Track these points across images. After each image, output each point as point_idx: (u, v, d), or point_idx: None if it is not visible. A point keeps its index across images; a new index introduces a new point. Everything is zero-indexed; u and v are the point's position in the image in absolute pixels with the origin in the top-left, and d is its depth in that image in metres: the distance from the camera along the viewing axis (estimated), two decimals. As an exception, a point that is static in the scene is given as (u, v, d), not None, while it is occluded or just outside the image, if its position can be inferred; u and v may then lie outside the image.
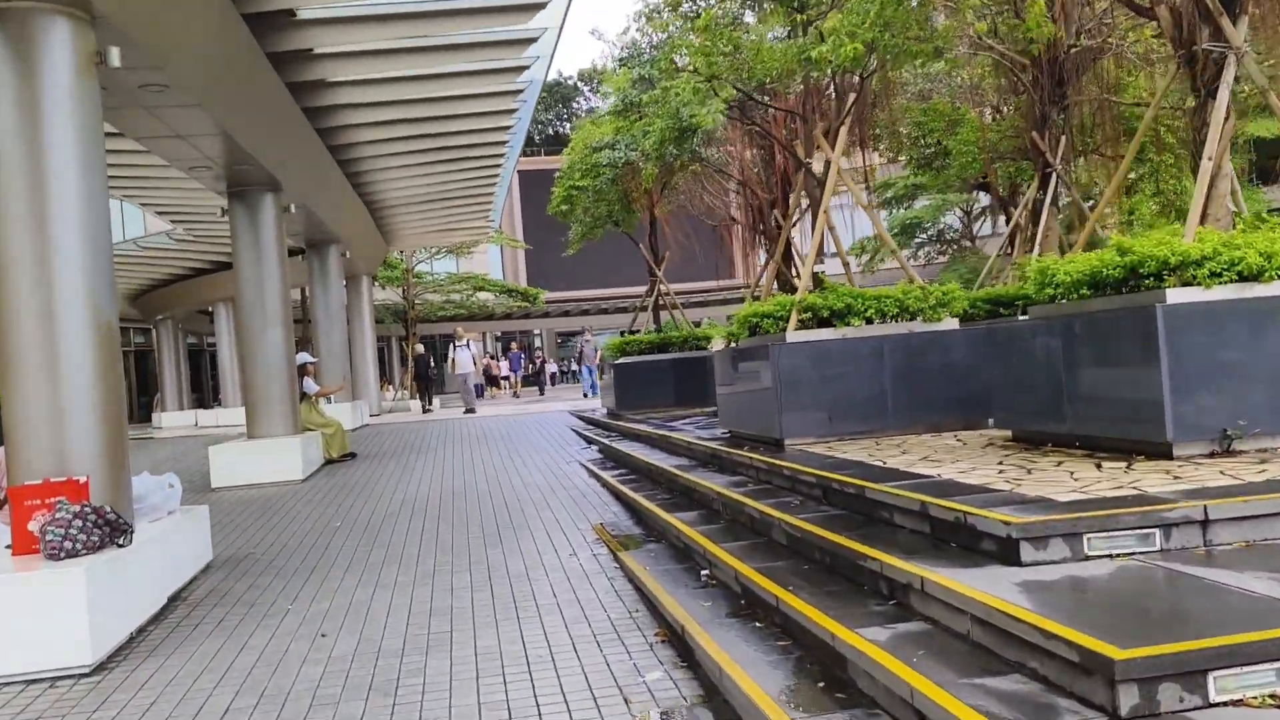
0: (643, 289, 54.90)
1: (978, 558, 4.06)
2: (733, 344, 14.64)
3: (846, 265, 8.74)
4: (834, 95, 9.84)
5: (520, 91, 16.26)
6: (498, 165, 20.33)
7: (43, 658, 5.07)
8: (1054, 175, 10.03)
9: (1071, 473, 5.09)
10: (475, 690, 4.46)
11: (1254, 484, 4.28)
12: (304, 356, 13.93)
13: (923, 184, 19.59)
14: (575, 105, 71.92)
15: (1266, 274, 5.26)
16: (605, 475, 10.11)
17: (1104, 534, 3.87)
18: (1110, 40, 10.67)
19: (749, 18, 12.32)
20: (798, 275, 14.11)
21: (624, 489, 8.95)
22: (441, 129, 16.58)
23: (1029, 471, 5.28)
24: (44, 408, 6.08)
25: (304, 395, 13.66)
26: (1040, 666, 3.09)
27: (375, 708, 4.33)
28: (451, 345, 24.32)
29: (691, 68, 9.31)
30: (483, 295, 36.90)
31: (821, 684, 3.71)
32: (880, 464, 6.20)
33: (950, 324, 8.21)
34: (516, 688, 4.45)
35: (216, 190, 13.09)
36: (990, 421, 7.96)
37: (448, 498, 9.88)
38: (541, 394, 35.08)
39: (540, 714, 4.11)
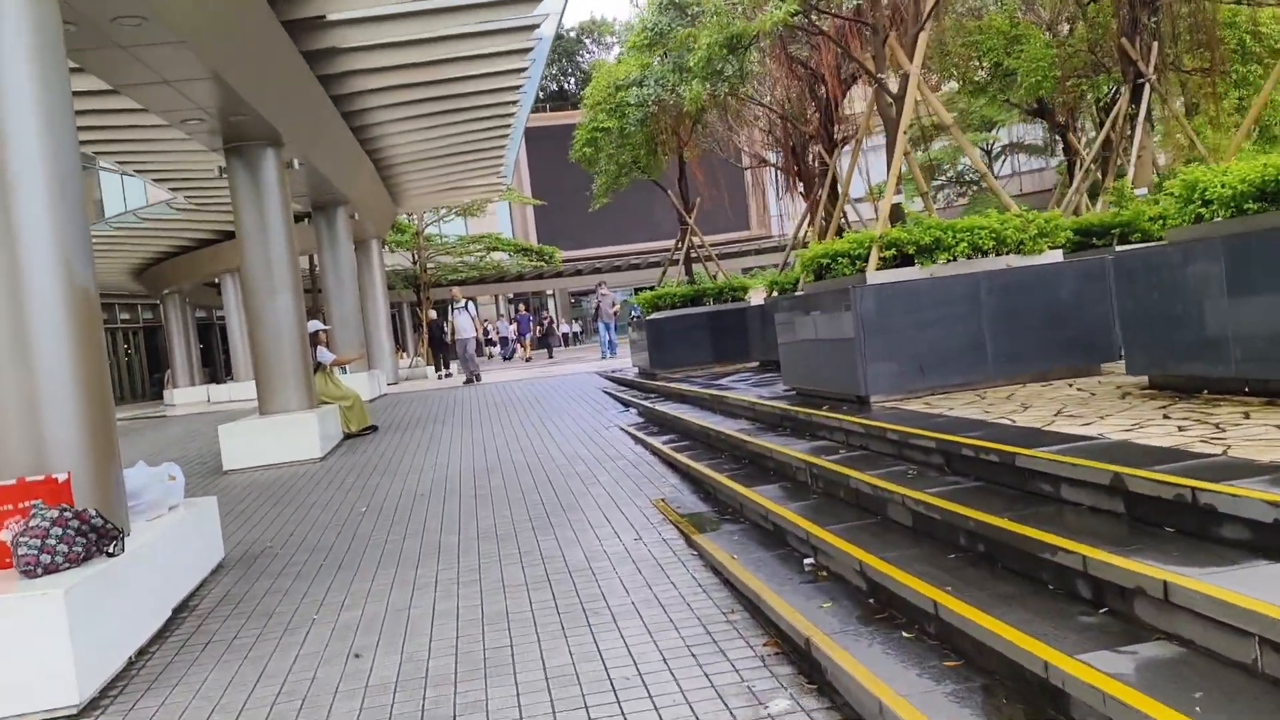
0: (658, 244, 53.86)
1: (1225, 551, 3.06)
2: (774, 293, 13.63)
3: (926, 195, 7.68)
4: None
5: (529, 50, 15.16)
6: (509, 118, 19.22)
7: (19, 699, 4.15)
8: (1146, 87, 8.91)
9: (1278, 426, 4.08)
10: (556, 733, 3.52)
11: None
12: (315, 324, 12.97)
13: (973, 110, 18.36)
14: (580, 59, 70.26)
15: None
16: (654, 441, 9.15)
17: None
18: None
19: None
20: (844, 215, 13.06)
21: (679, 457, 7.98)
22: (450, 85, 15.52)
23: (1220, 428, 4.27)
24: (11, 391, 5.11)
25: (318, 365, 12.71)
26: None
27: (431, 763, 3.40)
28: (450, 308, 22.49)
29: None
30: (497, 255, 35.83)
31: (1037, 731, 2.75)
32: (1008, 422, 5.20)
33: (1053, 256, 7.16)
34: (608, 729, 3.51)
35: (213, 147, 12.06)
36: (1104, 367, 6.95)
37: (482, 473, 8.93)
38: (550, 356, 34.07)
39: (648, 771, 3.16)
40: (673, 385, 11.98)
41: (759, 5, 9.69)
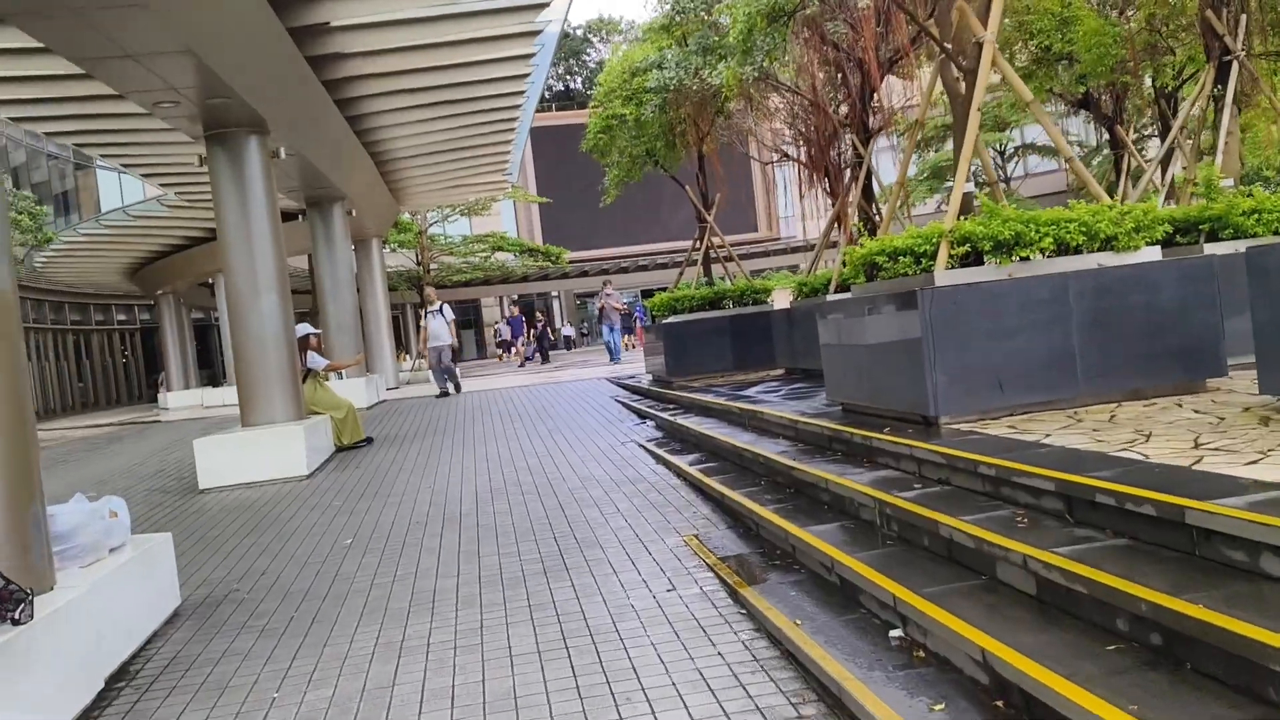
0: (666, 245, 52.97)
1: None
2: (801, 296, 12.64)
3: (994, 184, 6.67)
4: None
5: (533, 55, 14.28)
6: (515, 113, 18.26)
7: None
8: (1234, 65, 7.89)
9: None
10: None
11: None
12: (305, 328, 11.98)
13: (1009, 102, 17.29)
14: (586, 58, 69.36)
15: None
16: (677, 462, 8.14)
17: None
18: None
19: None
20: (878, 212, 12.06)
21: (710, 482, 6.97)
22: (453, 81, 14.63)
23: None
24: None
25: (308, 372, 11.72)
26: None
27: None
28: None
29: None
30: (501, 256, 34.85)
31: None
32: (1137, 456, 4.19)
33: (1150, 254, 6.14)
34: None
35: (193, 135, 11.09)
36: (1209, 383, 5.95)
37: (485, 498, 7.93)
38: (544, 361, 32.66)
39: None
40: (694, 396, 10.97)
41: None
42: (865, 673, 3.48)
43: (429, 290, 17.37)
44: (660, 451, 8.89)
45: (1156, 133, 11.95)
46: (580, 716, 3.62)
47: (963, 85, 6.42)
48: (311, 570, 6.20)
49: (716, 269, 16.05)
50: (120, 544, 5.13)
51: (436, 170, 21.52)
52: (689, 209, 15.72)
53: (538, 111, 55.58)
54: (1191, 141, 8.67)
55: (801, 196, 16.35)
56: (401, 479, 9.32)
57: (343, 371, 16.33)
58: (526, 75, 16.49)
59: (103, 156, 16.94)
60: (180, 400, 29.37)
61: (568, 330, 48.88)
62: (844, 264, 11.97)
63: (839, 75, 11.34)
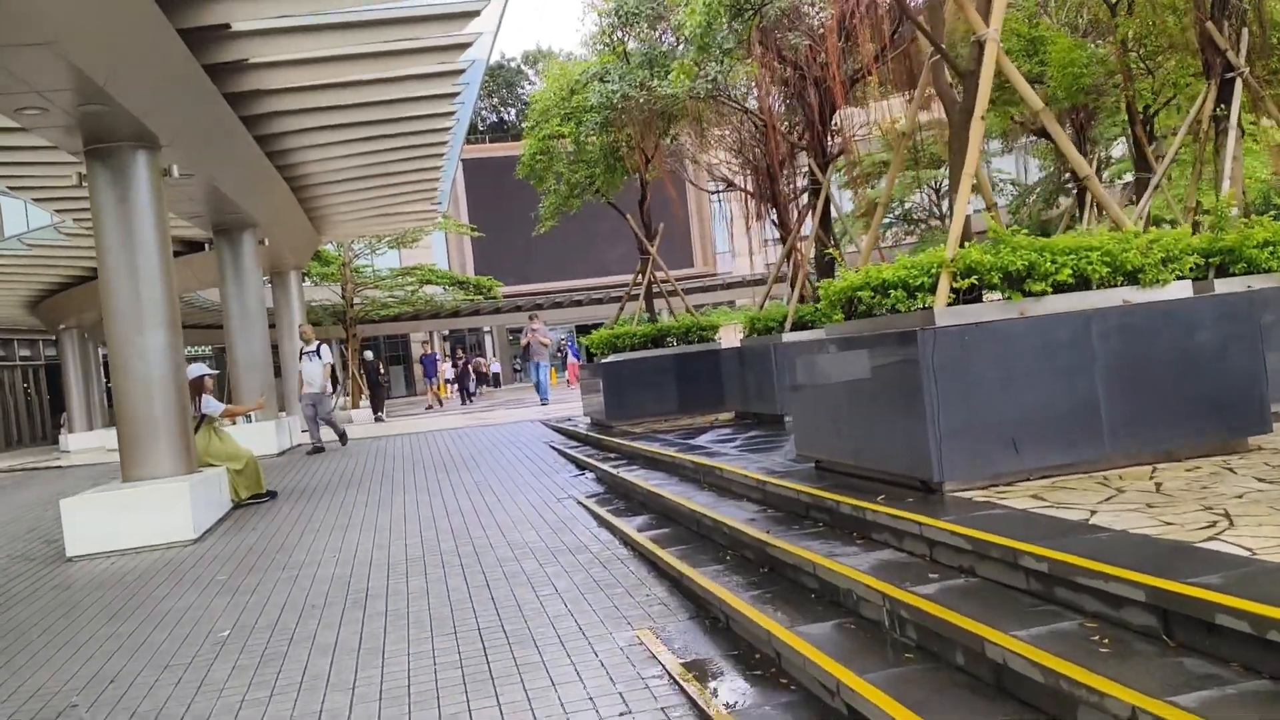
0: (604, 280, 51.95)
1: None
2: (751, 334, 11.70)
3: (992, 205, 5.76)
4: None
5: (461, 71, 13.36)
6: (443, 137, 17.14)
7: None
8: (1237, 83, 7.15)
9: None
10: None
11: None
12: (199, 368, 10.67)
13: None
14: (521, 90, 68.52)
15: None
16: (624, 527, 7.05)
17: None
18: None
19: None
20: (835, 243, 11.20)
21: (664, 555, 5.89)
22: (377, 103, 13.54)
23: None
24: None
25: (203, 419, 10.40)
26: None
27: None
28: (299, 354, 15.63)
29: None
30: (430, 289, 33.47)
31: None
32: (1239, 552, 3.23)
33: (1180, 289, 5.27)
34: None
35: (70, 149, 9.81)
36: (1251, 440, 5.08)
37: (399, 570, 6.74)
38: (467, 401, 31.05)
39: None
40: (638, 445, 9.91)
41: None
42: None
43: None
44: (603, 512, 7.79)
45: (1129, 158, 11.28)
46: None
47: (958, 91, 5.54)
48: (172, 677, 4.96)
49: (658, 304, 15.08)
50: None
51: (360, 198, 20.25)
52: (626, 243, 14.91)
53: (470, 143, 54.54)
54: (1194, 168, 7.92)
55: (747, 228, 15.53)
56: (304, 543, 8.07)
57: (251, 415, 14.96)
58: (456, 88, 15.41)
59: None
60: (82, 442, 27.46)
61: (496, 367, 47.50)
62: (802, 300, 11.10)
63: (795, 95, 10.49)
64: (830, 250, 10.93)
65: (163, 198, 9.84)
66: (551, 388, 35.85)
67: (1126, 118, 10.44)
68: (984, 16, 5.28)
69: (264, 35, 10.41)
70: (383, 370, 28.88)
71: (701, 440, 9.51)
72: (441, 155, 17.86)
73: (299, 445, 17.43)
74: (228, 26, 9.28)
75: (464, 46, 13.30)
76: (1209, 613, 2.74)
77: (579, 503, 8.59)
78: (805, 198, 15.38)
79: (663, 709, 3.86)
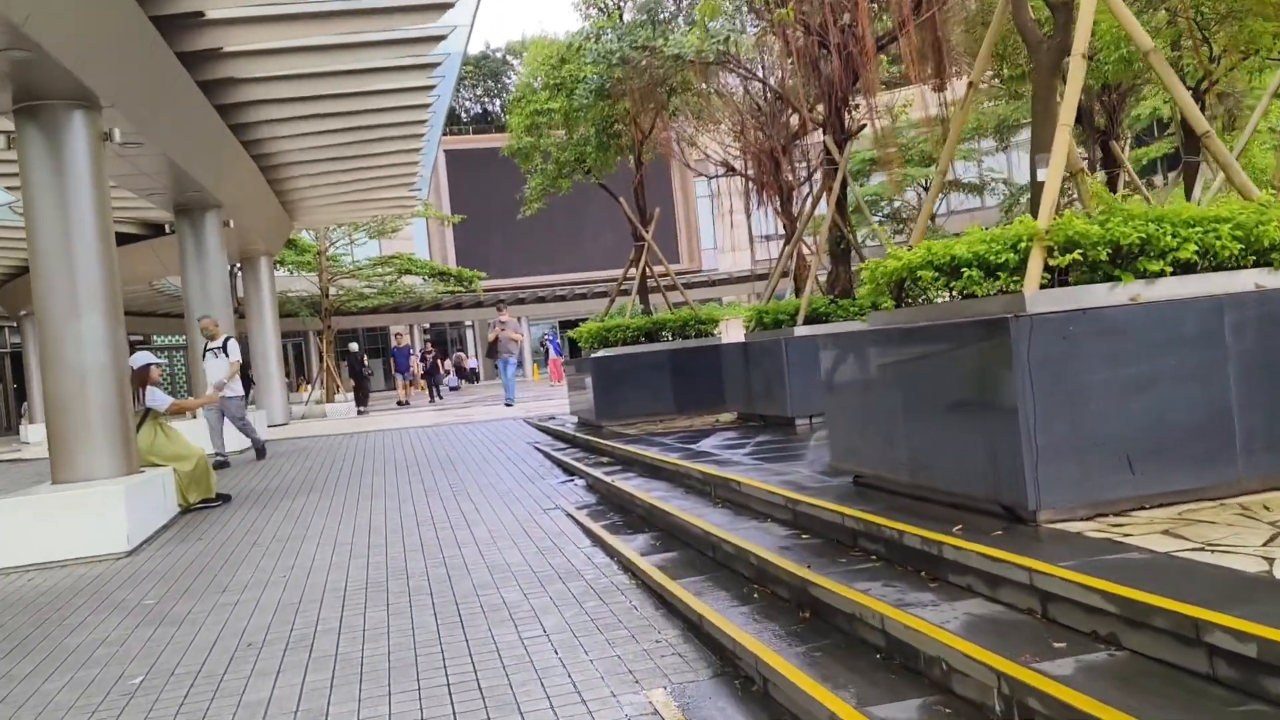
0: (588, 274, 50.86)
1: None
2: (754, 327, 10.70)
3: (1082, 173, 4.73)
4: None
5: (438, 55, 12.54)
6: (422, 122, 16.12)
7: None
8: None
9: None
10: None
11: None
12: (144, 356, 9.57)
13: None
14: (506, 80, 67.26)
15: None
16: (622, 548, 6.01)
17: None
18: None
19: None
20: (851, 229, 10.20)
21: (676, 590, 4.86)
22: (349, 64, 12.65)
23: None
24: None
25: (147, 413, 9.30)
26: None
27: None
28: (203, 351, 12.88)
29: None
30: (409, 280, 32.28)
31: None
32: None
33: (1320, 273, 4.28)
34: None
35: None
36: None
37: (357, 598, 5.69)
38: (436, 399, 29.17)
39: None
40: (633, 448, 8.88)
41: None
42: None
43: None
44: (597, 527, 6.76)
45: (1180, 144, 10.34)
46: None
47: (1046, 25, 4.55)
48: (55, 747, 3.90)
49: (652, 299, 14.04)
50: None
51: (334, 181, 19.16)
52: (611, 235, 13.97)
53: (454, 134, 53.36)
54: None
55: (747, 215, 14.51)
56: (251, 559, 7.00)
57: (198, 411, 13.83)
58: (436, 66, 14.46)
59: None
60: (43, 434, 26.14)
61: (473, 362, 46.35)
62: (823, 287, 10.10)
63: (810, 64, 9.47)
64: (848, 235, 9.96)
65: (102, 165, 8.74)
66: (533, 383, 34.70)
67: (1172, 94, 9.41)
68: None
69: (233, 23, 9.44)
70: (366, 364, 27.79)
71: (706, 445, 8.49)
72: (420, 135, 16.81)
73: (266, 441, 16.28)
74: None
75: (438, 39, 12.57)
76: None
77: (568, 515, 7.56)
78: (806, 187, 14.42)
79: (693, 821, 2.84)
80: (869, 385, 5.04)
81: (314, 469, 11.87)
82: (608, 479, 8.09)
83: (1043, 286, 4.04)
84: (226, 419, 12.62)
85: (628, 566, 5.72)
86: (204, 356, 12.49)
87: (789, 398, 9.15)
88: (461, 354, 47.09)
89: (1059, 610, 3.15)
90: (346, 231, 30.01)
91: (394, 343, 28.06)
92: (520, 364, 19.56)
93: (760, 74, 10.12)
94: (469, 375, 44.50)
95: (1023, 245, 4.09)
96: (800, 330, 9.36)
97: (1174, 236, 4.00)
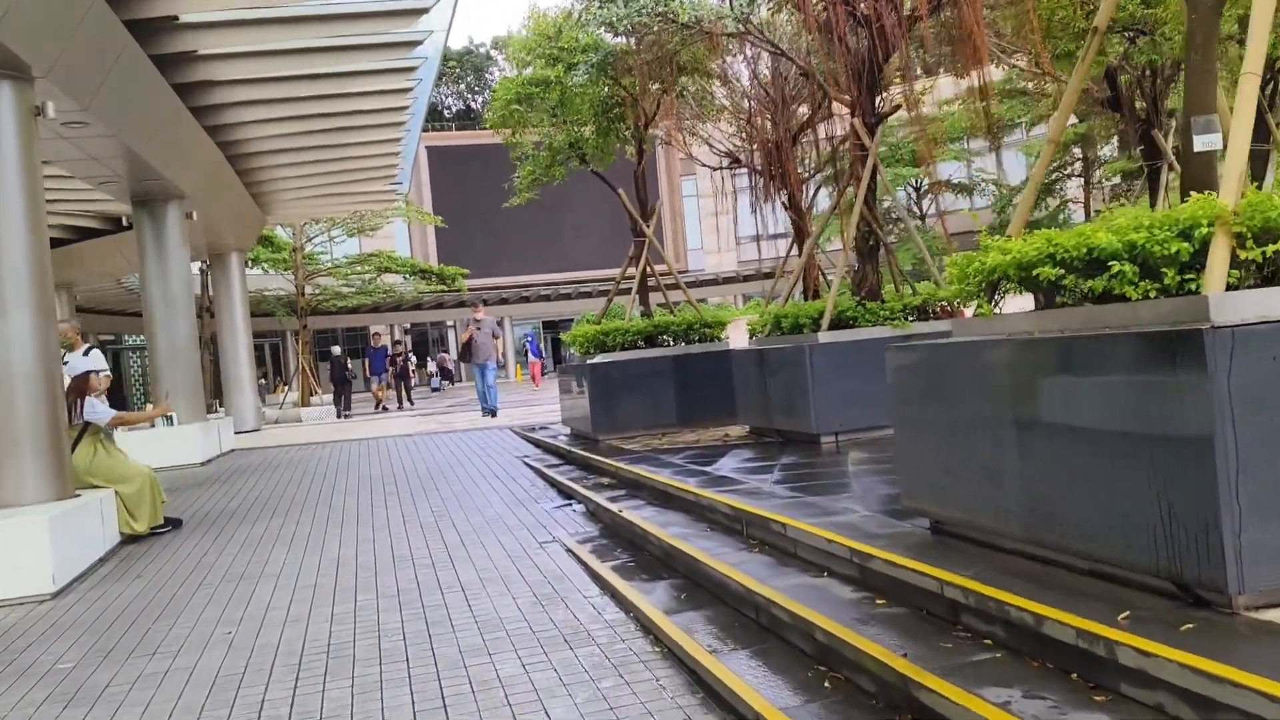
0: (573, 274, 49.76)
1: None
2: (767, 334, 9.70)
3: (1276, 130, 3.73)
4: None
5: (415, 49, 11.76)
6: (403, 112, 15.08)
7: None
8: None
9: None
10: None
11: None
12: (85, 362, 8.46)
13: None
14: (489, 76, 66.07)
15: None
16: (636, 600, 4.96)
17: None
18: None
19: None
20: (877, 224, 9.20)
21: (715, 669, 3.83)
22: (319, 38, 11.68)
23: None
24: None
25: (85, 427, 8.17)
26: None
27: None
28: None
29: None
30: (389, 279, 31.10)
31: None
32: None
33: None
34: None
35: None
36: None
37: (315, 669, 4.61)
38: (405, 404, 27.02)
39: None
40: (640, 470, 7.83)
41: None
42: None
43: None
44: (604, 570, 5.70)
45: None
46: None
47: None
48: None
49: (659, 297, 12.98)
50: None
51: (311, 173, 18.02)
52: (595, 234, 12.91)
53: (436, 130, 52.15)
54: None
55: (753, 209, 13.51)
56: (195, 606, 5.91)
57: (172, 418, 12.71)
58: (414, 69, 13.53)
59: None
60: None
61: (451, 365, 45.23)
62: (809, 294, 9.11)
63: (837, 40, 8.45)
64: (878, 230, 8.97)
65: (33, 143, 7.62)
66: (516, 385, 33.39)
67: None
68: None
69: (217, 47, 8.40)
70: (349, 367, 26.65)
71: (724, 468, 7.45)
72: (400, 124, 15.73)
73: (231, 451, 15.17)
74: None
75: (414, 44, 11.87)
76: None
77: (569, 550, 6.50)
78: (814, 180, 13.42)
79: None
80: (962, 407, 4.01)
81: (280, 486, 10.76)
82: (612, 506, 7.03)
83: (1238, 285, 3.03)
84: None
85: (648, 627, 4.67)
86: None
87: (813, 412, 8.14)
88: (445, 354, 45.95)
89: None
90: (325, 228, 28.86)
91: (372, 343, 26.83)
92: (502, 365, 17.18)
93: (780, 49, 9.08)
94: (449, 375, 43.47)
95: (1200, 232, 3.07)
96: (825, 336, 8.36)
97: (1404, 222, 2.99)
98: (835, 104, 9.11)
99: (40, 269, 7.51)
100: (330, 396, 26.13)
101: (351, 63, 12.90)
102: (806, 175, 12.78)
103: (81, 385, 8.19)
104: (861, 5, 8.21)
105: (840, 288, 9.00)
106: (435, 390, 39.74)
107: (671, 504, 6.77)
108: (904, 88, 8.33)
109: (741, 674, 3.75)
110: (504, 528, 7.47)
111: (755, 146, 12.92)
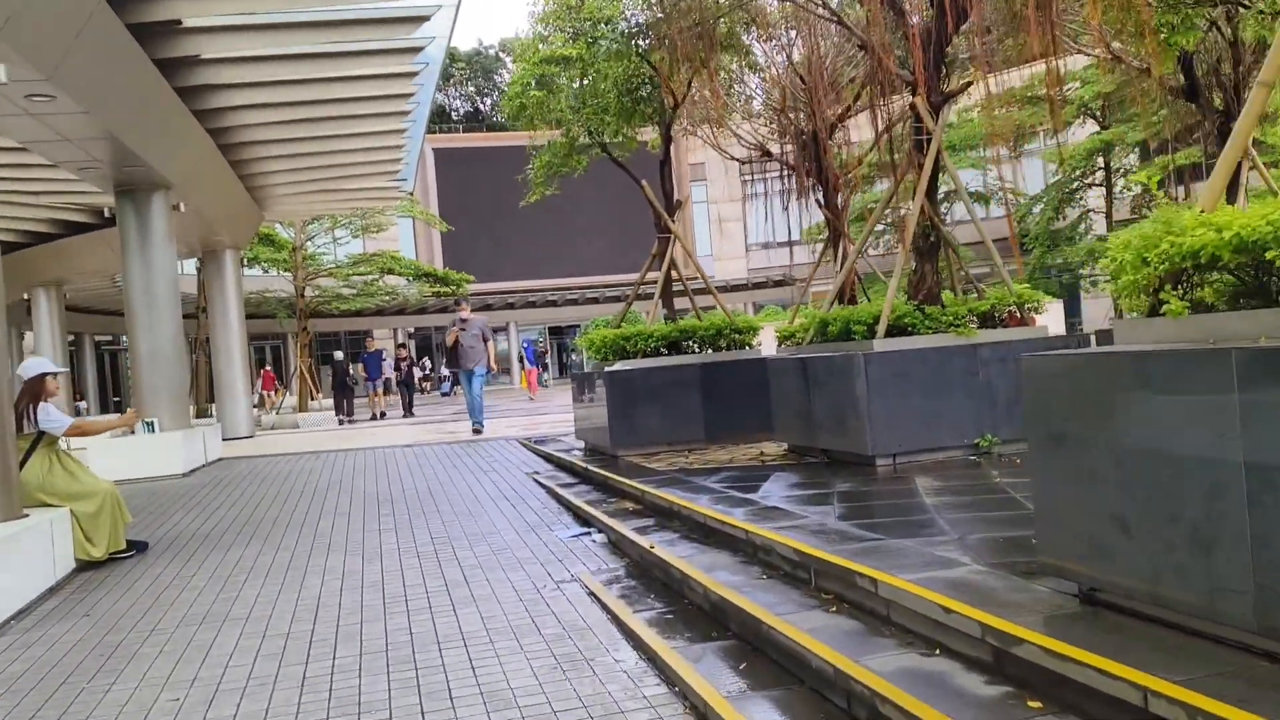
0: (581, 280, 48.81)
1: None
2: (809, 341, 8.69)
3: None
4: None
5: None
6: (405, 102, 14.15)
7: None
8: None
9: None
10: None
11: None
12: (39, 364, 7.45)
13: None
14: (497, 78, 65.25)
15: None
16: (681, 670, 3.93)
17: None
18: None
19: None
20: (939, 219, 8.20)
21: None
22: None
23: None
24: None
25: (39, 438, 7.17)
26: None
27: None
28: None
29: None
30: (393, 280, 30.10)
31: None
32: None
33: None
34: None
35: None
36: None
37: (274, 760, 3.60)
38: (408, 413, 25.24)
39: None
40: (671, 495, 6.80)
41: None
42: None
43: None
44: (636, 624, 4.67)
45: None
46: None
47: None
48: None
49: (690, 301, 11.95)
50: None
51: (309, 166, 17.07)
52: (603, 240, 11.87)
53: (443, 133, 51.25)
54: None
55: (785, 208, 12.54)
56: (140, 661, 4.89)
57: (154, 425, 11.73)
58: (416, 75, 12.67)
59: None
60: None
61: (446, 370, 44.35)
62: (842, 299, 8.12)
63: (896, 13, 7.46)
64: (939, 225, 7.95)
65: (-21, 111, 6.64)
66: (518, 390, 32.38)
67: None
68: None
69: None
70: (351, 373, 25.71)
71: (772, 496, 6.41)
72: (405, 114, 14.76)
73: (218, 460, 14.16)
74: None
75: (416, 50, 11.03)
76: None
77: (591, 593, 5.47)
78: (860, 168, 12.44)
79: None
80: (1149, 441, 2.97)
81: (264, 503, 9.75)
82: (640, 540, 6.01)
83: None
84: None
85: (697, 708, 3.65)
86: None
87: (868, 431, 7.13)
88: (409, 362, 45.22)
89: None
90: (328, 227, 27.91)
91: (367, 347, 25.86)
92: (493, 371, 14.78)
93: (838, 16, 8.08)
94: (452, 381, 42.73)
95: None
96: (881, 344, 7.34)
97: None
98: (891, 84, 8.08)
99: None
100: (330, 401, 25.30)
101: (352, 66, 12.27)
102: (849, 168, 11.79)
103: (36, 389, 7.20)
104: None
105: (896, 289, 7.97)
106: (445, 395, 39.17)
107: (712, 539, 5.74)
108: (984, 45, 7.30)
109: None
110: (514, 561, 6.45)
111: (788, 138, 11.95)
